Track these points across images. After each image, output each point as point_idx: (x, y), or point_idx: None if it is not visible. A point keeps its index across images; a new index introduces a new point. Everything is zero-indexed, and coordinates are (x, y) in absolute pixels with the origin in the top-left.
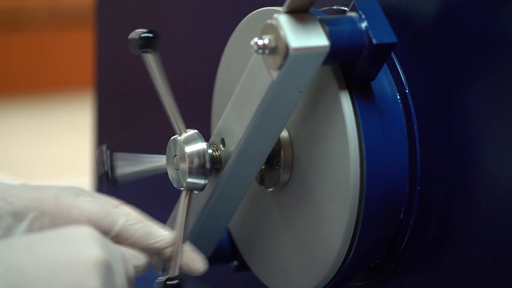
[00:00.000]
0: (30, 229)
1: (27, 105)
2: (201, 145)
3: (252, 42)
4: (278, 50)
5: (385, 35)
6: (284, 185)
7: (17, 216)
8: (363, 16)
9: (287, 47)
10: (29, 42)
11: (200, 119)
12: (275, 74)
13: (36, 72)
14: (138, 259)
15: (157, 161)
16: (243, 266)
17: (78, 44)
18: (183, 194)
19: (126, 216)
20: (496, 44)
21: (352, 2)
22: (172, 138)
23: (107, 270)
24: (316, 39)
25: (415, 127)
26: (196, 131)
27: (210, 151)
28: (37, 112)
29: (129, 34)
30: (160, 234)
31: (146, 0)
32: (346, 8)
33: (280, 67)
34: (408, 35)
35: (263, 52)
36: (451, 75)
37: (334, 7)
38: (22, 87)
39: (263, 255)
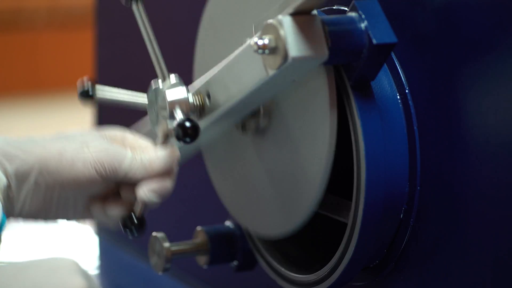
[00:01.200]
0: (36, 188)
1: (27, 105)
2: (184, 93)
3: (252, 42)
4: (278, 51)
5: (385, 35)
6: (264, 131)
7: (22, 176)
8: (363, 16)
9: (286, 52)
10: (29, 42)
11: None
12: (271, 72)
13: (36, 72)
14: None
15: (139, 98)
16: (243, 266)
17: (78, 44)
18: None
19: (130, 159)
20: (496, 44)
21: (352, 2)
22: (153, 81)
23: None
24: (317, 47)
25: (415, 127)
26: (178, 77)
27: (192, 100)
28: (37, 112)
29: (129, 34)
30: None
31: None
32: (346, 8)
33: (278, 68)
34: (408, 35)
35: (263, 52)
36: (451, 75)
37: (334, 7)
38: (22, 87)
39: (245, 201)
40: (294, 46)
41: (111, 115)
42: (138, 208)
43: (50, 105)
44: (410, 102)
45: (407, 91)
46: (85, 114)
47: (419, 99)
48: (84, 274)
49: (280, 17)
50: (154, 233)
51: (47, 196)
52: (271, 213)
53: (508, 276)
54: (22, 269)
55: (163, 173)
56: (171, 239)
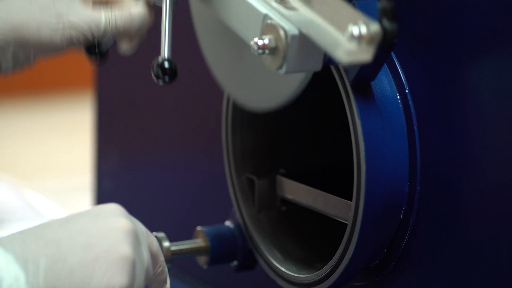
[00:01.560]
0: (15, 62)
1: (27, 106)
2: None
3: (252, 42)
4: (278, 51)
5: None
6: None
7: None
8: None
9: (283, 63)
10: None
11: None
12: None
13: (36, 73)
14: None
15: None
16: (243, 266)
17: None
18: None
19: (103, 25)
20: (496, 44)
21: (352, 2)
22: None
23: (135, 238)
24: (313, 61)
25: (415, 127)
26: None
27: None
28: (37, 112)
29: None
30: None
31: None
32: None
33: (279, 68)
34: (408, 35)
35: (263, 52)
36: (451, 75)
37: None
38: (22, 88)
39: (238, 75)
40: (292, 62)
41: (111, 115)
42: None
43: (50, 105)
44: (410, 102)
45: (407, 91)
46: (85, 114)
47: (419, 99)
48: (129, 216)
49: (290, 33)
50: (154, 233)
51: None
52: (264, 86)
53: (508, 276)
54: (68, 220)
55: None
56: (171, 239)
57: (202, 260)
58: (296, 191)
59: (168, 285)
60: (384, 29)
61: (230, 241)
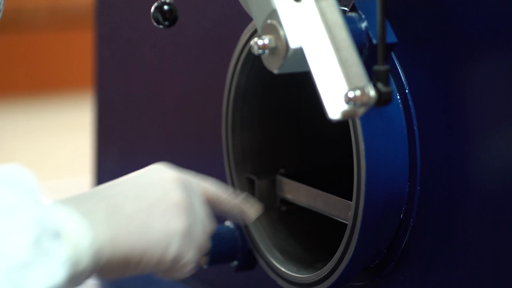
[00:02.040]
0: None
1: (27, 106)
2: None
3: (252, 42)
4: (278, 51)
5: (385, 35)
6: None
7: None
8: (363, 16)
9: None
10: (29, 42)
11: None
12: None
13: (36, 72)
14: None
15: None
16: (243, 266)
17: (78, 44)
18: None
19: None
20: (496, 44)
21: (352, 2)
22: None
23: (186, 186)
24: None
25: (415, 127)
26: None
27: None
28: (37, 112)
29: (129, 34)
30: None
31: (146, 0)
32: (346, 8)
33: (280, 68)
34: (408, 35)
35: (263, 53)
36: (451, 75)
37: None
38: (22, 87)
39: None
40: (287, 67)
41: (111, 115)
42: None
43: (50, 105)
44: (410, 102)
45: (407, 91)
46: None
47: (419, 99)
48: (175, 168)
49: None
50: None
51: None
52: None
53: (508, 276)
54: (119, 180)
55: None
56: None
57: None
58: (296, 191)
59: (247, 209)
60: (379, 92)
61: (230, 241)
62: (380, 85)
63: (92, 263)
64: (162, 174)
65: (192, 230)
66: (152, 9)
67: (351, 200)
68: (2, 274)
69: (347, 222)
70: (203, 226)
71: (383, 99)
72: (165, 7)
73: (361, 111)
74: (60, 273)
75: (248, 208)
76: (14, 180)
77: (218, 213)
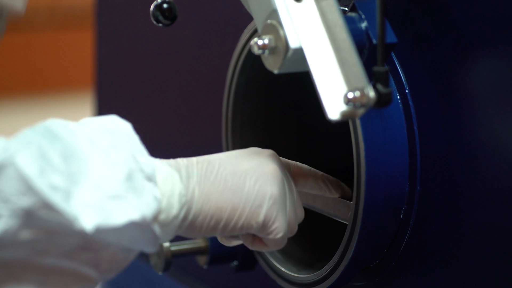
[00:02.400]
0: None
1: (27, 105)
2: None
3: (252, 42)
4: (278, 50)
5: (385, 35)
6: None
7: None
8: (363, 16)
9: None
10: (29, 42)
11: None
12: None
13: (36, 72)
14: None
15: None
16: (243, 266)
17: (78, 44)
18: None
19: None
20: (496, 44)
21: (352, 2)
22: None
23: (279, 162)
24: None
25: (415, 127)
26: None
27: None
28: (37, 112)
29: (129, 34)
30: None
31: (145, 0)
32: (346, 8)
33: (279, 68)
34: (408, 35)
35: (263, 53)
36: (451, 75)
37: None
38: (22, 87)
39: None
40: (287, 67)
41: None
42: None
43: (50, 105)
44: (410, 102)
45: (407, 91)
46: (85, 114)
47: (419, 99)
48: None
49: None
50: None
51: None
52: None
53: (508, 276)
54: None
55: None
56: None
57: (202, 260)
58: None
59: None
60: (378, 93)
61: None
62: (379, 86)
63: (181, 214)
64: (257, 150)
65: (283, 199)
66: (152, 7)
67: (351, 200)
68: (93, 203)
69: (346, 222)
70: (293, 201)
71: (382, 100)
72: (165, 5)
73: (360, 112)
74: (148, 209)
75: (334, 183)
76: (113, 126)
77: (307, 189)
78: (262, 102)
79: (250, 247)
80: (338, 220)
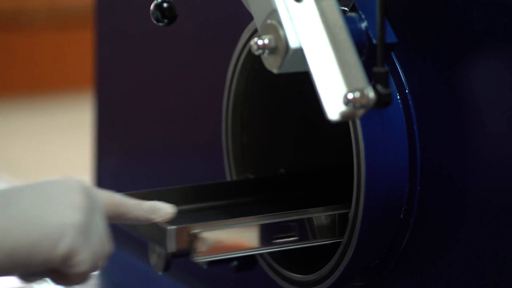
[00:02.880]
0: None
1: (27, 105)
2: None
3: (252, 42)
4: (278, 51)
5: (385, 35)
6: None
7: None
8: (363, 16)
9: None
10: (29, 42)
11: None
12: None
13: (36, 72)
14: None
15: None
16: (243, 266)
17: (78, 44)
18: None
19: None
20: (496, 44)
21: (352, 2)
22: None
23: (87, 191)
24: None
25: (415, 127)
26: None
27: None
28: (37, 112)
29: (129, 34)
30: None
31: (146, 0)
32: (346, 8)
33: (279, 68)
34: (408, 35)
35: (263, 53)
36: (451, 75)
37: None
38: (22, 87)
39: None
40: (287, 67)
41: (111, 115)
42: None
43: (50, 105)
44: (410, 102)
45: (407, 91)
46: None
47: (419, 99)
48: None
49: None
50: None
51: None
52: None
53: (508, 276)
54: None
55: None
56: None
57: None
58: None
59: (161, 207)
60: (378, 94)
61: None
62: (379, 87)
63: None
64: (66, 179)
65: (89, 230)
66: (152, 6)
67: (351, 201)
68: None
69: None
70: (100, 233)
71: (382, 101)
72: (165, 4)
73: (360, 112)
74: None
75: (161, 206)
76: None
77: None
78: (262, 101)
79: (55, 283)
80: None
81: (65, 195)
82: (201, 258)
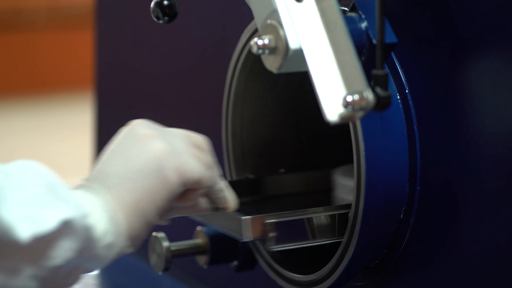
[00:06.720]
0: None
1: (27, 105)
2: None
3: (252, 42)
4: (278, 51)
5: (385, 35)
6: None
7: None
8: (363, 16)
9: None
10: (29, 42)
11: None
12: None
13: (36, 72)
14: None
15: None
16: (243, 266)
17: (78, 44)
18: None
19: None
20: (496, 44)
21: (352, 2)
22: None
23: (149, 123)
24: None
25: (415, 127)
26: None
27: None
28: (37, 112)
29: (129, 34)
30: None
31: (146, 0)
32: (346, 8)
33: (279, 68)
34: (408, 35)
35: (263, 52)
36: (451, 75)
37: None
38: (22, 87)
39: None
40: (287, 67)
41: (111, 115)
42: None
43: (50, 105)
44: (410, 102)
45: (407, 91)
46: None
47: (419, 99)
48: None
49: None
50: (154, 233)
51: None
52: None
53: (507, 276)
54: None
55: None
56: (171, 239)
57: (202, 260)
58: None
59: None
60: (377, 97)
61: (230, 241)
62: (378, 89)
63: (112, 226)
64: (129, 125)
65: (175, 148)
66: (152, 4)
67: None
68: (22, 215)
69: (239, 238)
70: (186, 141)
71: (381, 104)
72: (165, 2)
73: (359, 115)
74: (79, 209)
75: (230, 194)
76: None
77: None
78: (262, 102)
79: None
80: (232, 236)
81: (137, 138)
82: (275, 247)
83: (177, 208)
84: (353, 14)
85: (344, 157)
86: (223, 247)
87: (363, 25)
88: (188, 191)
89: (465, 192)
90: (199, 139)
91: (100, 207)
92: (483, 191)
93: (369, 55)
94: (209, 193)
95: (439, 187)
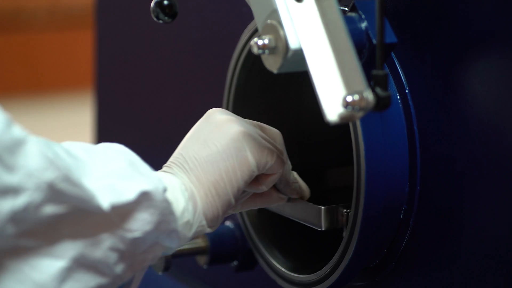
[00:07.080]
0: None
1: (26, 105)
2: None
3: (252, 42)
4: (278, 51)
5: (385, 35)
6: None
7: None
8: (363, 16)
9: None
10: (29, 42)
11: None
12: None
13: (36, 72)
14: None
15: None
16: (243, 266)
17: (78, 44)
18: None
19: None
20: (496, 44)
21: (352, 2)
22: None
23: (224, 111)
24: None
25: (415, 127)
26: None
27: None
28: (36, 112)
29: (129, 34)
30: None
31: (146, 0)
32: (346, 8)
33: (279, 68)
34: (408, 35)
35: (263, 52)
36: (451, 75)
37: None
38: (21, 87)
39: None
40: (286, 67)
41: (111, 115)
42: None
43: (50, 105)
44: (410, 102)
45: (407, 91)
46: (85, 114)
47: (419, 99)
48: None
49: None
50: None
51: None
52: None
53: (507, 276)
54: None
55: None
56: None
57: (202, 260)
58: None
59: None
60: (377, 97)
61: (230, 241)
62: (378, 90)
63: (190, 205)
64: (208, 114)
65: (252, 133)
66: (152, 4)
67: (350, 201)
68: (103, 186)
69: (317, 228)
70: (261, 131)
71: (381, 104)
72: (165, 2)
73: (359, 115)
74: (159, 183)
75: (303, 184)
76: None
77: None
78: (262, 102)
79: (263, 190)
80: (309, 225)
81: (216, 123)
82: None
83: (249, 195)
84: (353, 14)
85: (344, 157)
86: (223, 247)
87: (363, 25)
88: (263, 175)
89: (465, 191)
90: (274, 130)
91: (178, 186)
92: (483, 190)
93: (369, 55)
94: (283, 183)
95: (439, 187)
